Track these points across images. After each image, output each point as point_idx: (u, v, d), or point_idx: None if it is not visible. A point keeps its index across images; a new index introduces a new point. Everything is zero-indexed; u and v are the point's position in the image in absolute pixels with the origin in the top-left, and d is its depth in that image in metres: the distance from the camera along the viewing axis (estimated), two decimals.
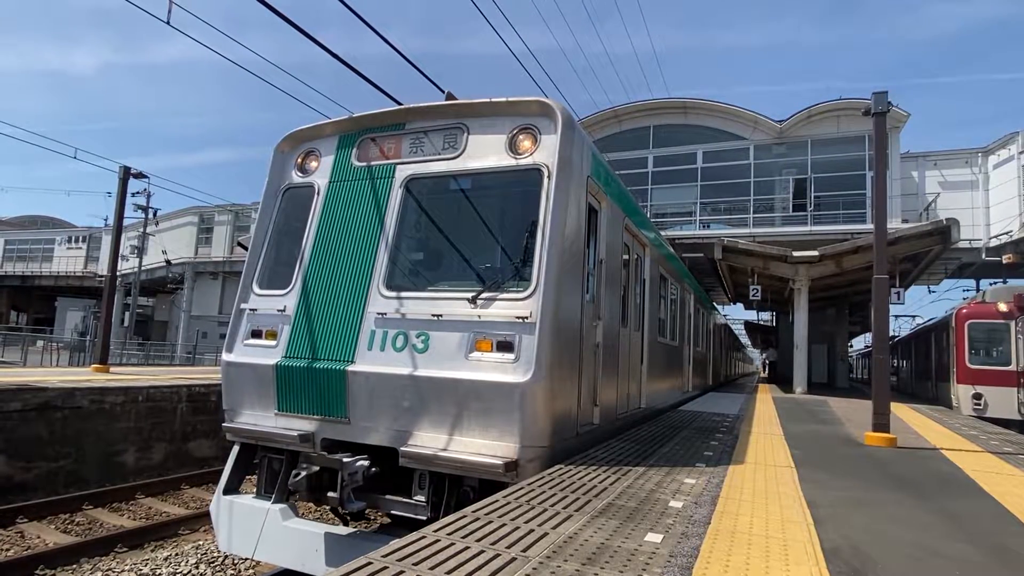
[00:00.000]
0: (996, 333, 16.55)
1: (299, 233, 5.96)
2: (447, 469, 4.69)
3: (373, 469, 5.04)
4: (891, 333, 11.98)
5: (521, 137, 5.23)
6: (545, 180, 4.98)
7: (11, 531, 7.79)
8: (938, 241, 16.97)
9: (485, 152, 5.35)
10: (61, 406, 9.74)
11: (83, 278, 51.63)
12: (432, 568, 2.57)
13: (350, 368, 5.14)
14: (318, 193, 6.03)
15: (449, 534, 3.02)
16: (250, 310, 5.99)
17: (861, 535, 3.52)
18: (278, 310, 5.74)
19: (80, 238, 55.11)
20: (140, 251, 37.28)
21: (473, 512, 3.45)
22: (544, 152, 5.10)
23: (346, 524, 5.98)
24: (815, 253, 18.36)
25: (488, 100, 5.38)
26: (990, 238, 24.48)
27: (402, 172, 5.64)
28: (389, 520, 6.28)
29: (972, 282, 31.30)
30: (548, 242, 4.77)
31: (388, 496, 5.16)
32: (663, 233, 16.44)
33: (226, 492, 5.81)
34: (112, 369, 15.34)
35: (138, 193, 35.95)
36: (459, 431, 4.73)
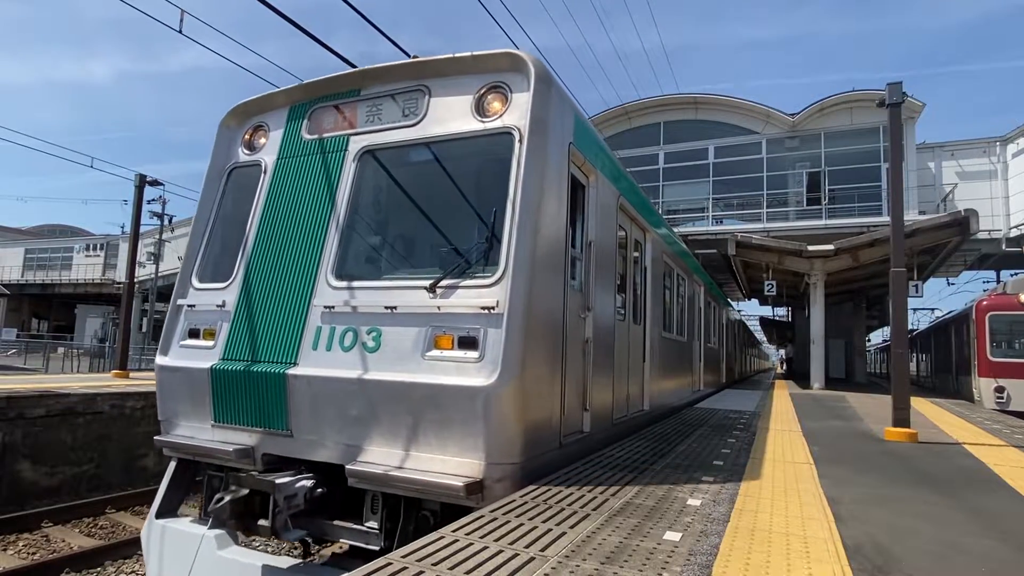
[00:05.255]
0: (1019, 325, 16.27)
1: (244, 218, 5.31)
2: (400, 491, 4.05)
3: (319, 490, 4.44)
4: (910, 327, 11.82)
5: (489, 97, 4.55)
6: (516, 145, 4.29)
7: (36, 535, 7.92)
8: (956, 233, 16.73)
9: (448, 117, 4.66)
10: (83, 411, 9.89)
11: (101, 285, 52.38)
12: (451, 568, 2.57)
13: (291, 372, 4.47)
14: (265, 172, 5.38)
15: (467, 534, 3.02)
16: (188, 306, 5.33)
17: (883, 532, 3.48)
18: (217, 306, 5.09)
19: (98, 246, 55.92)
20: (157, 258, 37.80)
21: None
22: (515, 113, 4.40)
23: (308, 552, 5.41)
24: (830, 247, 18.17)
25: (452, 56, 4.70)
26: (1010, 228, 24.06)
27: (356, 144, 4.97)
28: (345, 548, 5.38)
29: (992, 273, 30.83)
30: (519, 218, 4.09)
31: (336, 522, 4.51)
32: (676, 230, 16.19)
33: (160, 515, 5.12)
34: (132, 374, 15.55)
35: (154, 200, 36.45)
36: (415, 445, 4.07)
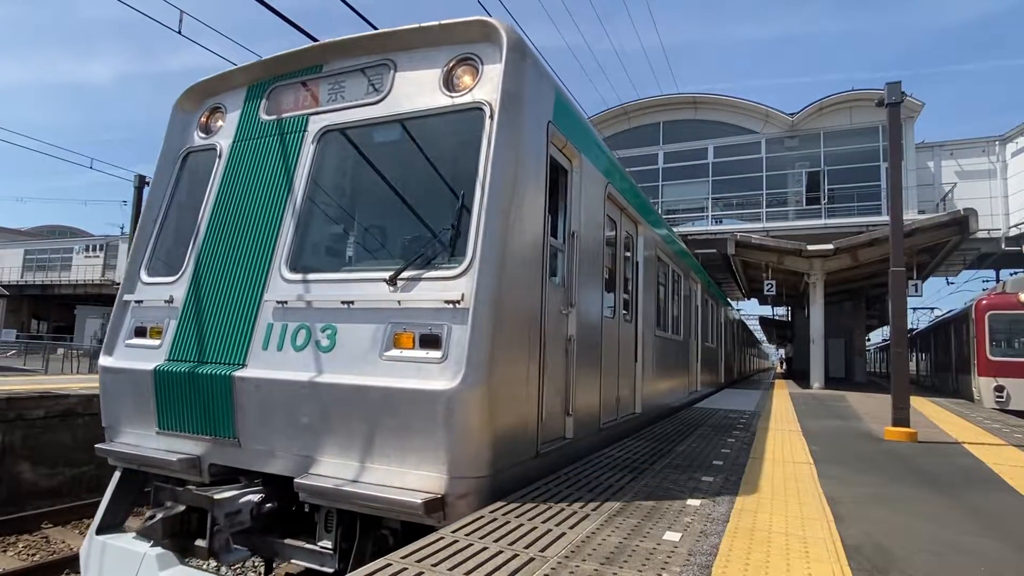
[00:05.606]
0: (1018, 324, 16.28)
1: (198, 207, 4.96)
2: (354, 507, 3.68)
3: (269, 505, 4.05)
4: (909, 326, 11.82)
5: (459, 71, 4.19)
6: (487, 121, 3.93)
7: (36, 536, 7.92)
8: (955, 232, 16.75)
9: (415, 92, 4.29)
10: (83, 412, 9.89)
11: (101, 286, 52.34)
12: (451, 569, 2.57)
13: (237, 374, 4.11)
14: (220, 156, 5.01)
15: (467, 535, 3.02)
16: (135, 302, 4.94)
17: (883, 531, 3.48)
18: (165, 301, 4.72)
19: (97, 247, 55.89)
20: None
21: None
22: (486, 87, 4.04)
23: (270, 569, 5.04)
24: (830, 247, 18.17)
25: (418, 26, 4.33)
26: (1009, 227, 24.09)
27: (316, 124, 4.62)
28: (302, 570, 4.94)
29: (992, 272, 30.85)
30: (488, 201, 3.74)
31: (288, 541, 4.13)
32: (676, 230, 16.14)
33: (101, 530, 4.68)
34: None
35: None
36: (372, 457, 3.70)
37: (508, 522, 3.26)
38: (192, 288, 4.65)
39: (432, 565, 2.61)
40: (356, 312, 3.94)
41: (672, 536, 3.16)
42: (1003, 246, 24.15)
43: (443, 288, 3.71)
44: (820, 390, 18.44)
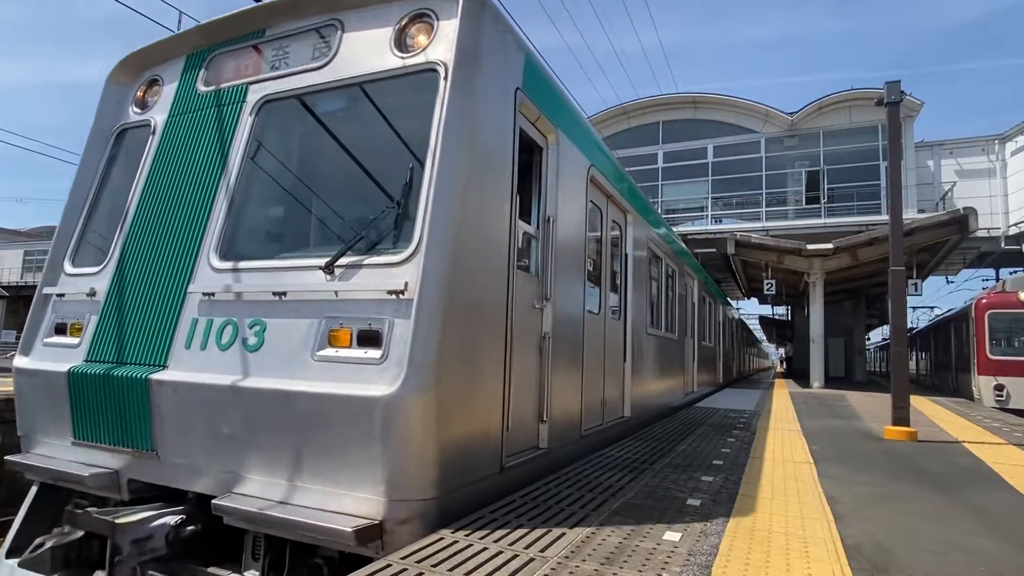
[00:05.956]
0: (1018, 323, 16.29)
1: (129, 189, 4.49)
2: (279, 533, 3.20)
3: (190, 527, 3.54)
4: (909, 325, 11.83)
5: (413, 29, 3.71)
6: (441, 84, 3.45)
7: None
8: (955, 231, 16.76)
9: (363, 55, 3.82)
10: None
11: None
12: (451, 569, 2.57)
13: (154, 376, 3.62)
14: (153, 133, 4.53)
15: (467, 535, 3.02)
16: (56, 296, 4.46)
17: (883, 531, 3.48)
18: (87, 294, 4.23)
19: None
20: None
21: None
22: (441, 45, 3.57)
23: None
24: (830, 246, 18.19)
25: None
26: (1009, 226, 24.10)
27: (255, 94, 4.15)
28: None
29: (991, 271, 30.85)
30: (438, 176, 3.26)
31: (212, 570, 3.60)
32: (675, 229, 16.09)
33: (12, 553, 4.10)
34: None
35: None
36: (302, 475, 3.22)
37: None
38: (116, 279, 4.14)
39: (432, 566, 2.60)
40: (288, 305, 3.46)
41: (672, 536, 3.16)
42: (1003, 245, 24.17)
43: (386, 276, 3.23)
44: (820, 389, 18.44)
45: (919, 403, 13.01)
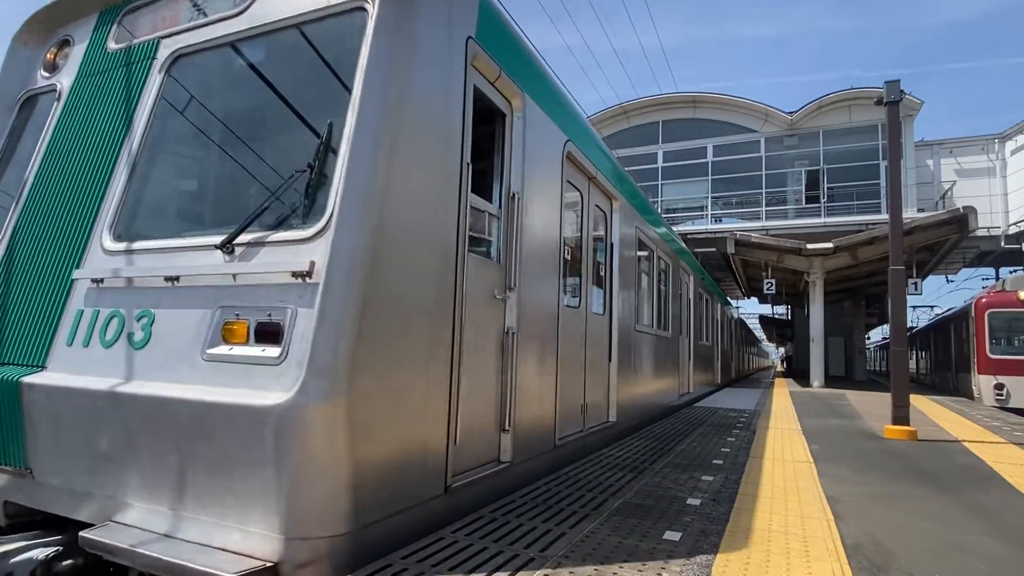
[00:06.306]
0: (1018, 322, 16.31)
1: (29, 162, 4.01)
2: (153, 571, 2.57)
3: (68, 561, 2.88)
4: (909, 324, 11.82)
5: None
6: (369, 25, 2.94)
7: None
8: (955, 230, 16.76)
9: None
10: None
11: None
12: (452, 569, 2.57)
13: (27, 380, 3.07)
14: (59, 98, 4.05)
15: (467, 535, 3.03)
16: None
17: (883, 530, 3.49)
18: None
19: None
20: None
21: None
22: None
23: None
24: (829, 245, 18.19)
25: None
26: (1009, 225, 24.10)
27: (167, 49, 3.64)
28: None
29: (991, 270, 30.86)
30: (356, 135, 2.73)
31: None
32: (675, 229, 16.05)
33: None
34: None
35: None
36: (186, 502, 2.64)
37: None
38: (3, 264, 3.63)
39: (432, 565, 2.61)
40: (181, 292, 2.93)
41: (672, 535, 3.16)
42: (1003, 244, 24.17)
43: (292, 256, 2.68)
44: (820, 388, 18.45)
45: (919, 402, 13.01)
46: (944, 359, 22.78)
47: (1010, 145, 24.68)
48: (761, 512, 3.75)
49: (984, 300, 16.89)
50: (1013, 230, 23.90)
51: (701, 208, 28.48)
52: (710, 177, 28.35)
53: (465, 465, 3.43)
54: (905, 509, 4.01)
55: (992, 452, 6.58)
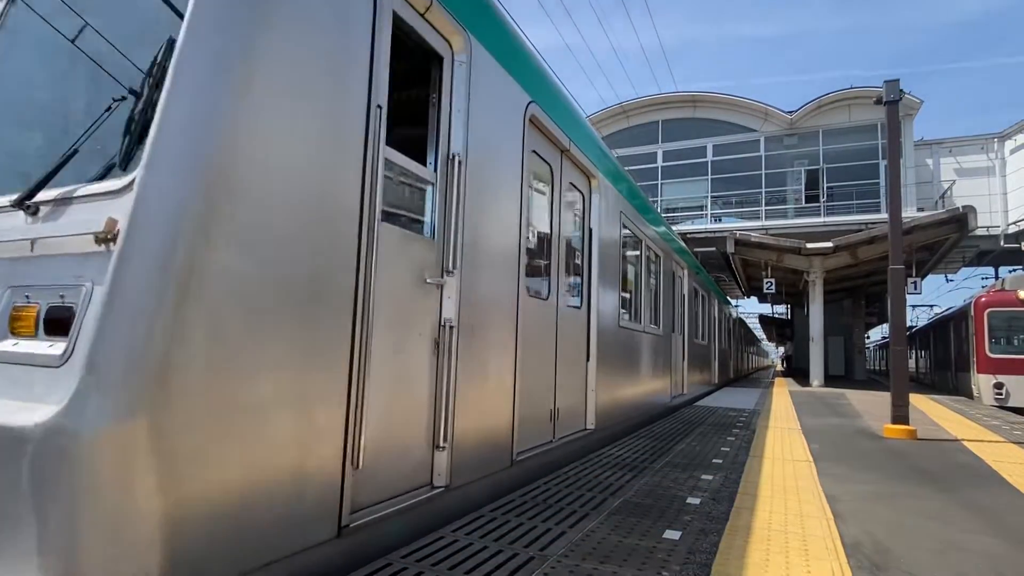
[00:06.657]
0: (1017, 321, 16.33)
1: None
2: None
3: None
4: (908, 323, 11.82)
5: None
6: None
7: None
8: (955, 229, 16.77)
9: None
10: None
11: None
12: (451, 569, 2.58)
13: None
14: None
15: (467, 534, 3.03)
16: None
17: (882, 529, 3.49)
18: None
19: None
20: None
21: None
22: None
23: None
24: (829, 244, 18.20)
25: None
26: (1008, 225, 24.13)
27: None
28: None
29: (991, 270, 30.87)
30: (183, 51, 2.01)
31: None
32: (675, 228, 16.00)
33: None
34: None
35: None
36: None
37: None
38: None
39: (432, 565, 2.61)
40: None
41: (672, 534, 3.17)
42: (1002, 243, 24.20)
43: (97, 213, 1.96)
44: (820, 388, 18.46)
45: (919, 401, 13.02)
46: (943, 358, 22.80)
47: (1009, 144, 24.70)
48: (761, 511, 3.75)
49: (983, 299, 16.91)
50: (1012, 229, 23.92)
51: (701, 208, 28.51)
52: (710, 177, 28.38)
53: (375, 496, 2.75)
54: (905, 508, 4.01)
55: (991, 451, 6.58)
